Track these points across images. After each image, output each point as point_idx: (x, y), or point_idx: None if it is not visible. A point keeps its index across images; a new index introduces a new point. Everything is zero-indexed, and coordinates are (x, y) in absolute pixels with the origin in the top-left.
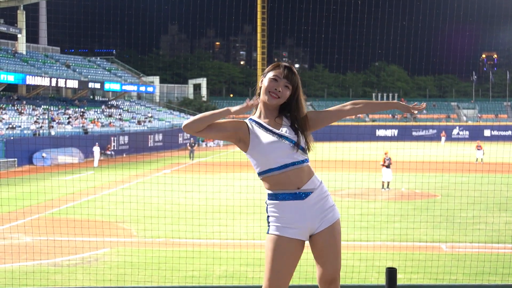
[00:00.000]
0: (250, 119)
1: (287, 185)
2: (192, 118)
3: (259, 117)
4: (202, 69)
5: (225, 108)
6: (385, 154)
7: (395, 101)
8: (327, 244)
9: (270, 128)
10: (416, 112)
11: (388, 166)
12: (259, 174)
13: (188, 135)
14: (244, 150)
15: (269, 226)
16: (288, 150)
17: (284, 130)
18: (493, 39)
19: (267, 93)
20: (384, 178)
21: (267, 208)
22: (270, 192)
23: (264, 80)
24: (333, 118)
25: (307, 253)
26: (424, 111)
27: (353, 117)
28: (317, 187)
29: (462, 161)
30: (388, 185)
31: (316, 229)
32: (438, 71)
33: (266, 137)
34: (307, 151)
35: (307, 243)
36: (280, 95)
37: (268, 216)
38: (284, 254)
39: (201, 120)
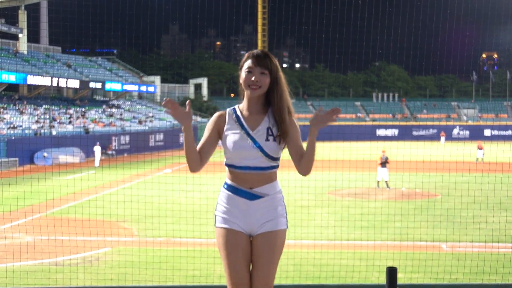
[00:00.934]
0: (234, 108)
1: (243, 182)
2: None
3: (243, 108)
4: (203, 68)
5: (183, 132)
6: (382, 152)
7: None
8: (263, 249)
9: (245, 125)
10: (334, 116)
11: (384, 165)
12: (225, 164)
13: None
14: (219, 138)
15: (216, 216)
16: (253, 154)
17: (259, 132)
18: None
19: (247, 87)
20: (378, 177)
21: (220, 194)
22: (228, 182)
23: (241, 74)
24: (291, 152)
25: (308, 252)
26: (425, 111)
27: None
28: (271, 195)
29: (462, 160)
30: (387, 184)
31: (255, 231)
32: (439, 71)
33: (237, 135)
34: (275, 158)
35: None
36: (259, 84)
37: (217, 204)
38: (236, 246)
39: (188, 159)
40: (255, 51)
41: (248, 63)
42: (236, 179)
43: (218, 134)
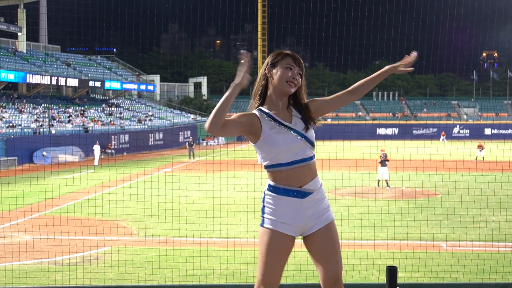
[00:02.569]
0: (259, 109)
1: (291, 181)
2: (210, 117)
3: (269, 108)
4: (202, 67)
5: (231, 87)
6: (382, 151)
7: (386, 68)
8: (325, 243)
9: (281, 121)
10: (408, 66)
11: (383, 164)
12: (267, 167)
13: (189, 133)
14: (254, 142)
15: (263, 218)
16: (299, 145)
17: (295, 123)
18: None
19: (284, 83)
20: (379, 176)
21: (264, 198)
22: (272, 184)
23: (275, 70)
24: (332, 106)
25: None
26: (425, 110)
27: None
28: (317, 189)
29: (462, 159)
30: (387, 183)
31: (310, 229)
32: (439, 69)
33: (277, 131)
34: (314, 145)
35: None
36: (297, 83)
37: (263, 207)
38: (278, 249)
39: (217, 114)
40: (289, 51)
41: (287, 60)
42: (284, 179)
43: (249, 128)
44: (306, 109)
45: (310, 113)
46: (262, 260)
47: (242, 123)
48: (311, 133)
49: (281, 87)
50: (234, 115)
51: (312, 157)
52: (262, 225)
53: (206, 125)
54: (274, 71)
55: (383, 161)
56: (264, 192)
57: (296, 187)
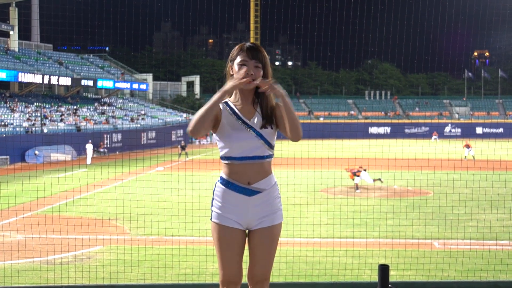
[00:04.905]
0: (225, 102)
1: (240, 177)
2: (193, 120)
3: (234, 101)
4: (195, 66)
5: (219, 92)
6: (360, 167)
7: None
8: (260, 244)
9: (241, 116)
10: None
11: (356, 174)
12: (221, 158)
13: (181, 132)
14: (214, 131)
15: (212, 211)
16: (253, 143)
17: (254, 121)
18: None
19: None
20: (357, 179)
21: (214, 188)
22: (224, 177)
23: (233, 67)
24: (281, 129)
25: (300, 250)
26: (417, 109)
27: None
28: (268, 188)
29: (454, 158)
30: (357, 186)
31: (254, 226)
32: (431, 68)
33: (234, 125)
34: (272, 146)
35: None
36: (253, 77)
37: (212, 199)
38: (230, 244)
39: (203, 118)
40: (247, 43)
41: (241, 56)
42: (234, 174)
43: (216, 119)
44: (269, 107)
45: (272, 115)
46: (218, 257)
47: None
48: (270, 133)
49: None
50: None
51: (266, 156)
52: (211, 219)
53: (189, 128)
54: (233, 68)
55: (355, 172)
56: (215, 184)
57: (245, 184)
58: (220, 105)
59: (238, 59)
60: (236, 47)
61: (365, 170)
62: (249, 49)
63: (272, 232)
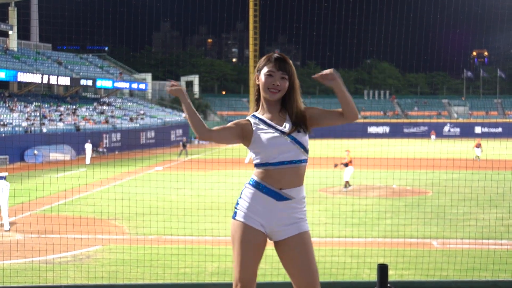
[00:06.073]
0: (253, 115)
1: (274, 181)
2: (192, 128)
3: (262, 113)
4: (194, 66)
5: (181, 100)
6: (347, 151)
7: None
8: (298, 252)
9: (272, 124)
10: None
11: (346, 165)
12: (256, 165)
13: (181, 131)
14: (246, 146)
15: (236, 210)
16: (289, 147)
17: (286, 126)
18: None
19: (266, 90)
20: (347, 177)
21: (243, 190)
22: (256, 179)
23: (260, 77)
24: (327, 119)
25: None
26: (416, 108)
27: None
28: (298, 198)
29: (453, 157)
30: (346, 184)
31: (279, 234)
32: (429, 68)
33: (267, 133)
34: (307, 150)
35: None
36: (279, 88)
37: (239, 199)
38: (253, 244)
39: (193, 124)
40: (275, 54)
41: (268, 66)
42: (268, 178)
43: (241, 133)
44: (298, 114)
45: (303, 119)
46: (238, 257)
47: (233, 128)
48: (303, 137)
49: (264, 95)
50: (230, 123)
51: (302, 161)
52: (234, 217)
53: (196, 135)
54: (259, 78)
55: (347, 163)
56: (245, 185)
57: (277, 188)
58: (250, 120)
59: (265, 70)
60: (264, 57)
61: (351, 167)
62: (277, 60)
63: (303, 238)
